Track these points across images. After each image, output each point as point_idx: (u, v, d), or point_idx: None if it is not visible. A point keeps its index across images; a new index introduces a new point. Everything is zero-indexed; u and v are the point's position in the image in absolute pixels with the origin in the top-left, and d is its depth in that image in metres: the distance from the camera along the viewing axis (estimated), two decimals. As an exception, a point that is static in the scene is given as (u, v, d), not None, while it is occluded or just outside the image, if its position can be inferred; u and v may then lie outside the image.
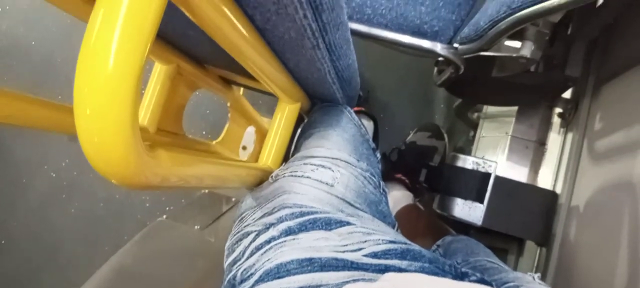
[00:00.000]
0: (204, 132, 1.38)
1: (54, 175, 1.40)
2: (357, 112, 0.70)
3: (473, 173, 0.83)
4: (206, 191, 1.26)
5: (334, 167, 0.53)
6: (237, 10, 0.34)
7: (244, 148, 1.19)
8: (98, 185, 1.38)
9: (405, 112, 1.36)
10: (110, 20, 0.22)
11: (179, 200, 1.36)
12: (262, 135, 1.14)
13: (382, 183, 0.63)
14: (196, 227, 0.98)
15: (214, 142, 0.95)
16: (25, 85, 1.45)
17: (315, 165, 0.53)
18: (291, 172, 0.53)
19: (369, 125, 1.24)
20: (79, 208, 1.38)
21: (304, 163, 0.54)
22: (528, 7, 0.66)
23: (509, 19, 0.69)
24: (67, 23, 1.49)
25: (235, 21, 0.34)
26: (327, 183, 0.51)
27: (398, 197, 1.15)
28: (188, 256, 0.89)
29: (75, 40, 1.47)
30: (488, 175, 0.83)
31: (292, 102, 0.62)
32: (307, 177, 0.51)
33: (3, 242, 1.39)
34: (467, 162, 0.85)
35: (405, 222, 1.09)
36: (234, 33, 0.35)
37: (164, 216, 1.05)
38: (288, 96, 0.60)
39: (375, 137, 1.26)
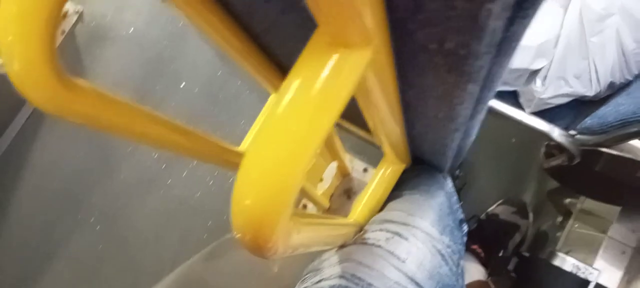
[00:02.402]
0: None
1: (139, 161, 1.46)
2: None
3: (571, 276, 0.77)
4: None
5: (411, 238, 0.49)
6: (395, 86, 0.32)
7: (321, 180, 1.19)
8: (177, 184, 1.42)
9: (492, 181, 1.30)
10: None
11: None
12: (341, 172, 1.13)
13: (462, 263, 0.58)
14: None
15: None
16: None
17: (391, 232, 0.50)
18: (364, 239, 0.50)
19: None
20: (156, 202, 1.42)
21: (380, 229, 0.51)
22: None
23: (644, 123, 0.64)
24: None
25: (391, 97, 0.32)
26: (398, 258, 0.47)
27: (470, 270, 1.09)
28: (253, 279, 0.88)
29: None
30: (587, 282, 0.76)
31: (398, 163, 0.59)
32: (379, 247, 0.48)
33: (92, 219, 1.46)
34: (565, 262, 0.79)
35: (474, 298, 1.03)
36: (384, 103, 0.33)
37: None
38: (397, 157, 0.58)
39: None
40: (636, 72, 0.76)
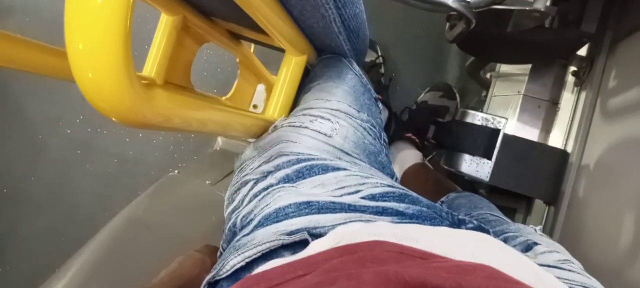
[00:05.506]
0: (215, 91, 1.39)
1: (69, 132, 1.43)
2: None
3: (482, 129, 0.82)
4: (218, 148, 1.27)
5: (333, 119, 0.53)
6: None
7: (255, 107, 1.20)
8: (111, 142, 1.41)
9: (417, 72, 1.35)
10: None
11: (191, 157, 1.38)
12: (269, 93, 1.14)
13: (383, 134, 0.62)
14: (208, 182, 0.99)
15: (223, 99, 0.95)
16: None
17: (314, 116, 0.53)
18: (290, 123, 0.53)
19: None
20: (93, 166, 1.41)
21: (303, 115, 0.54)
22: (542, -42, 0.64)
23: (522, -30, 0.67)
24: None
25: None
26: (325, 134, 0.51)
27: (407, 156, 1.15)
28: (199, 210, 0.90)
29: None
30: (497, 131, 0.82)
31: (299, 54, 0.62)
32: (306, 128, 0.51)
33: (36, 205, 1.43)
34: (476, 118, 0.84)
35: (413, 181, 1.09)
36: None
37: (176, 171, 1.07)
38: (294, 48, 0.60)
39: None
40: None
